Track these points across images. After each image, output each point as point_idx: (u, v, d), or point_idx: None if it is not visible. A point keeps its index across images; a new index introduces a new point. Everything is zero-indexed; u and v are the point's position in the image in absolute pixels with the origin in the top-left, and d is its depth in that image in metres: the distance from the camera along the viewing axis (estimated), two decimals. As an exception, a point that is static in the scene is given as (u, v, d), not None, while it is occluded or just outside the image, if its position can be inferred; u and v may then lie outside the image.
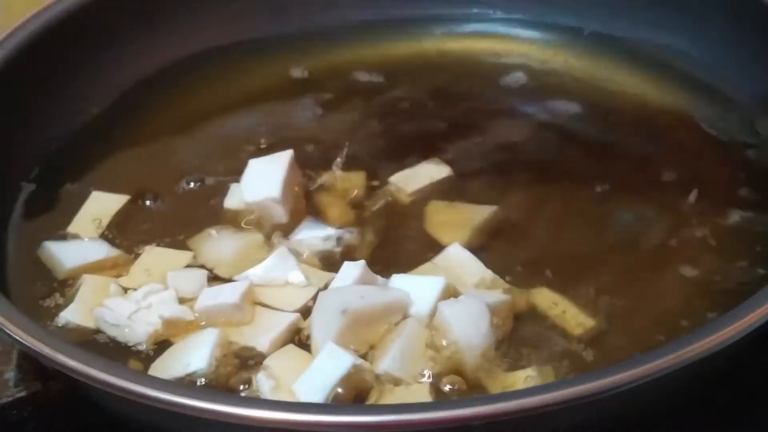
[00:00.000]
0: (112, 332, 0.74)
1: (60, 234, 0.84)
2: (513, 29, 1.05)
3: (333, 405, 0.67)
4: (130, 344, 0.74)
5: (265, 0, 1.04)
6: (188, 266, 0.80)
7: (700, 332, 0.62)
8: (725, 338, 0.62)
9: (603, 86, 0.98)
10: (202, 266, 0.80)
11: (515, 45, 1.04)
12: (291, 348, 0.73)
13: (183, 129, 0.95)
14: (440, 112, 0.96)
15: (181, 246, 0.82)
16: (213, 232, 0.83)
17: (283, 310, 0.76)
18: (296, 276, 0.77)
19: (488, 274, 0.77)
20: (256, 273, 0.78)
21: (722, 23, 0.95)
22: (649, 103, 0.96)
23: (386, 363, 0.70)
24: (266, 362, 0.71)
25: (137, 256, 0.81)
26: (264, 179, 0.83)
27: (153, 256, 0.81)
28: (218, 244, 0.82)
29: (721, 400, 0.73)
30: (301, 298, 0.76)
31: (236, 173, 0.86)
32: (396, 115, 0.96)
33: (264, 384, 0.69)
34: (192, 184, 0.88)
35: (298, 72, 1.01)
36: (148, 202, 0.86)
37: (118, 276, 0.79)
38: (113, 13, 0.96)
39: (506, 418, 0.59)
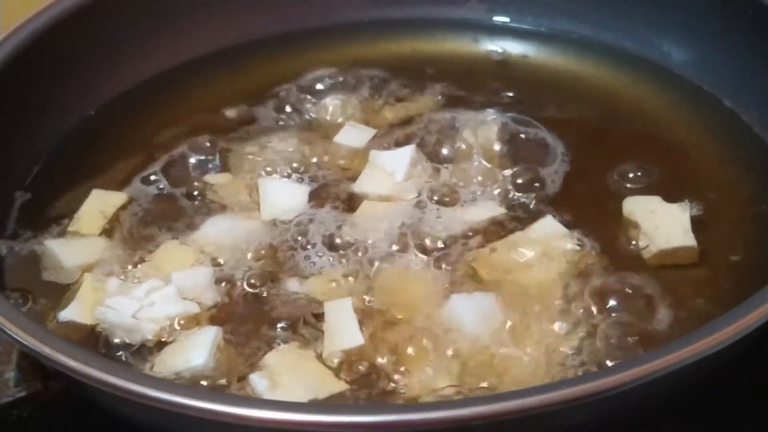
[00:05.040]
0: (116, 331, 0.74)
1: (61, 232, 0.84)
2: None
3: (333, 405, 0.67)
4: (135, 342, 0.74)
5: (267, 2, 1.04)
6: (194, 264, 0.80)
7: (700, 332, 0.62)
8: (725, 338, 0.62)
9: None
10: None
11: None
12: (290, 348, 0.73)
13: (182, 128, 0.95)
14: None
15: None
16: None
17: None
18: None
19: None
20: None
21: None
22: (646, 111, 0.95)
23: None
24: (264, 361, 0.71)
25: (143, 252, 0.81)
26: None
27: (163, 252, 0.81)
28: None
29: (721, 400, 0.73)
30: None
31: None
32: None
33: (258, 384, 0.69)
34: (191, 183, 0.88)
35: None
36: (148, 200, 0.87)
37: (120, 273, 0.79)
38: (111, 14, 0.96)
39: (506, 418, 0.59)
